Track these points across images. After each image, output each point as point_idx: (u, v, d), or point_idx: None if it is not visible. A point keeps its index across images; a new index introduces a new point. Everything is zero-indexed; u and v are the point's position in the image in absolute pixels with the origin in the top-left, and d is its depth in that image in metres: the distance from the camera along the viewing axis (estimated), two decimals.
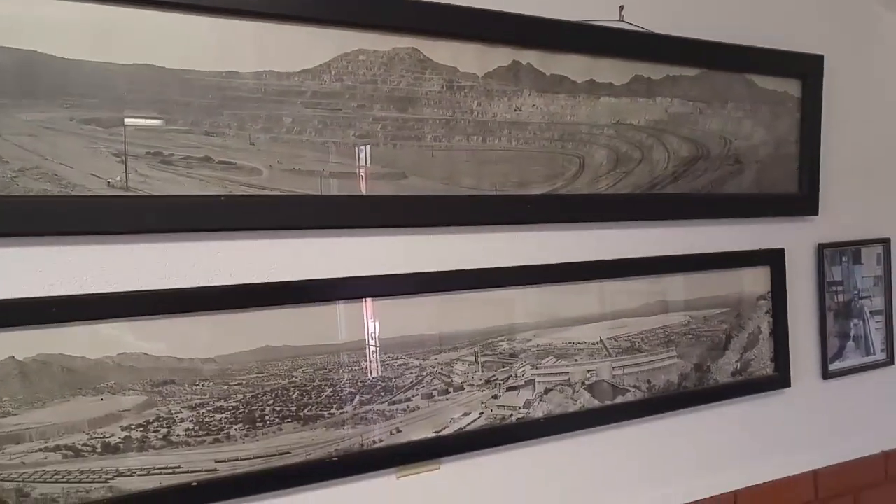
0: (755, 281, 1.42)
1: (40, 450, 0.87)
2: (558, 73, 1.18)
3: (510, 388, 1.17)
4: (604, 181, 1.23)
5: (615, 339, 1.26)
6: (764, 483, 1.44)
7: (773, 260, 1.44)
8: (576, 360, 1.22)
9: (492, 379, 1.15)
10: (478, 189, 1.12)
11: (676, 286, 1.33)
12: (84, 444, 0.90)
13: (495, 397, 1.15)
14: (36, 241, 0.87)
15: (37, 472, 0.87)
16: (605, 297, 1.25)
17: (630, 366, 1.27)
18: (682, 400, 1.33)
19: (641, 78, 1.25)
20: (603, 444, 1.26)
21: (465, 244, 1.12)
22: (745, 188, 1.38)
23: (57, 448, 0.88)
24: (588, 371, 1.23)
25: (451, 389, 1.12)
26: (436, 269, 1.09)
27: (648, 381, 1.29)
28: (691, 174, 1.32)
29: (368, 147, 1.04)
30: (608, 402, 1.25)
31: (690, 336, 1.34)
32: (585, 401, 1.23)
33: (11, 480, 0.86)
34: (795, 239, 1.48)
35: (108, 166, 0.89)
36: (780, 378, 1.45)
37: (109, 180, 0.89)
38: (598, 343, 1.24)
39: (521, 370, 1.17)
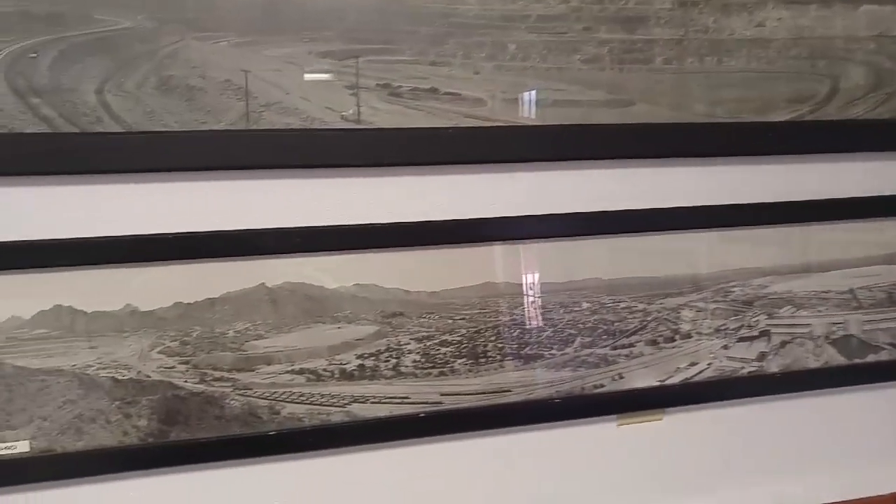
0: None
1: (287, 372, 0.93)
2: None
3: (742, 339, 1.06)
4: (860, 105, 1.05)
5: (868, 289, 1.09)
6: None
7: None
8: (819, 311, 1.08)
9: (722, 328, 1.05)
10: (711, 116, 1.00)
11: None
12: (324, 370, 0.94)
13: (725, 347, 1.06)
14: (279, 173, 0.91)
15: (285, 392, 0.93)
16: (857, 240, 1.09)
17: (886, 320, 1.10)
18: None
19: None
20: (848, 405, 1.12)
21: (695, 178, 1.02)
22: None
23: (301, 371, 0.94)
24: (834, 324, 1.09)
25: (677, 337, 1.04)
26: (662, 206, 1.01)
27: None
28: None
29: (593, 72, 0.97)
30: (857, 360, 1.10)
31: None
32: (829, 356, 1.09)
33: (265, 398, 0.92)
34: None
35: (341, 99, 0.91)
36: None
37: (343, 113, 0.91)
38: (847, 292, 1.09)
39: (754, 319, 1.06)
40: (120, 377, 0.88)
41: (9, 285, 0.84)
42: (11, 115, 0.81)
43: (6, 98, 0.81)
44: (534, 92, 0.95)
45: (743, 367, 1.06)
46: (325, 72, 0.90)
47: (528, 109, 0.95)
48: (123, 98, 0.85)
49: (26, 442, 0.86)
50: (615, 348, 1.02)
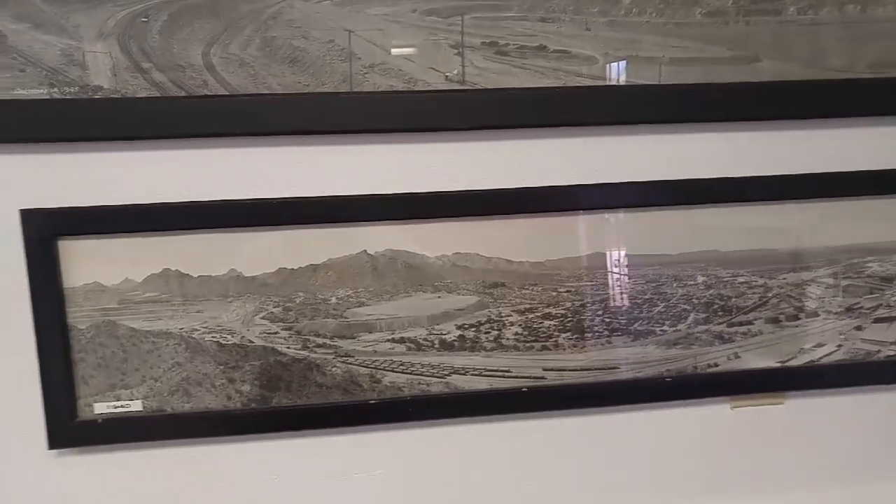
0: None
1: (388, 340, 0.91)
2: None
3: (879, 320, 0.96)
4: None
5: None
6: None
7: None
8: None
9: (855, 306, 0.96)
10: (850, 72, 0.91)
11: None
12: (424, 339, 0.92)
13: (858, 328, 0.96)
14: (381, 138, 0.88)
15: (386, 360, 0.92)
16: None
17: None
18: None
19: None
20: None
21: (828, 141, 0.92)
22: None
23: (402, 340, 0.92)
24: None
25: (801, 315, 0.95)
26: (789, 172, 0.92)
27: None
28: None
29: (716, 27, 0.89)
30: None
31: None
32: None
33: (366, 366, 0.91)
34: None
35: (445, 59, 0.87)
36: None
37: (447, 74, 0.87)
38: None
39: (894, 298, 0.96)
40: (224, 342, 0.89)
41: (122, 248, 0.86)
42: (124, 80, 0.82)
43: (119, 63, 0.82)
44: (649, 49, 0.88)
45: (879, 351, 0.97)
46: (429, 30, 0.86)
47: (643, 68, 0.89)
48: (228, 61, 0.84)
49: (139, 401, 0.89)
50: (731, 325, 0.95)
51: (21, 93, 0.81)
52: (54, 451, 0.88)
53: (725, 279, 0.94)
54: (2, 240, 0.84)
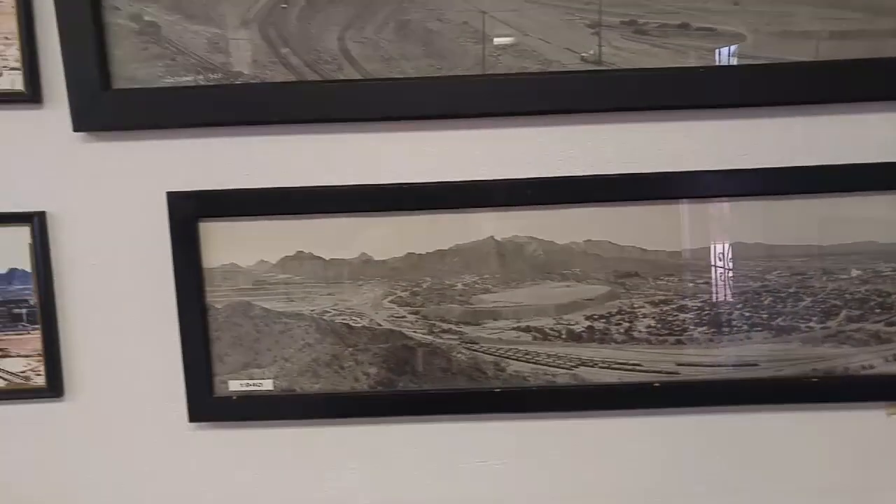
0: None
1: (514, 328, 0.90)
2: None
3: None
4: None
5: None
6: None
7: None
8: None
9: None
10: None
11: None
12: (551, 329, 0.90)
13: None
14: (513, 121, 0.86)
15: (511, 349, 0.90)
16: None
17: None
18: None
19: None
20: None
21: None
22: None
23: (528, 329, 0.90)
24: None
25: None
26: None
27: None
28: None
29: None
30: None
31: None
32: None
33: (490, 354, 0.90)
34: None
35: (581, 39, 0.84)
36: None
37: (583, 54, 0.84)
38: None
39: None
40: (353, 324, 0.90)
41: (258, 231, 0.89)
42: (263, 65, 0.85)
43: (260, 49, 0.84)
44: (805, 23, 0.82)
45: None
46: (565, 9, 0.83)
47: (798, 44, 0.82)
48: (363, 45, 0.84)
49: (270, 381, 0.92)
50: (891, 324, 0.87)
51: (169, 80, 0.85)
52: (194, 424, 0.92)
53: (885, 273, 0.86)
54: (151, 221, 0.88)
